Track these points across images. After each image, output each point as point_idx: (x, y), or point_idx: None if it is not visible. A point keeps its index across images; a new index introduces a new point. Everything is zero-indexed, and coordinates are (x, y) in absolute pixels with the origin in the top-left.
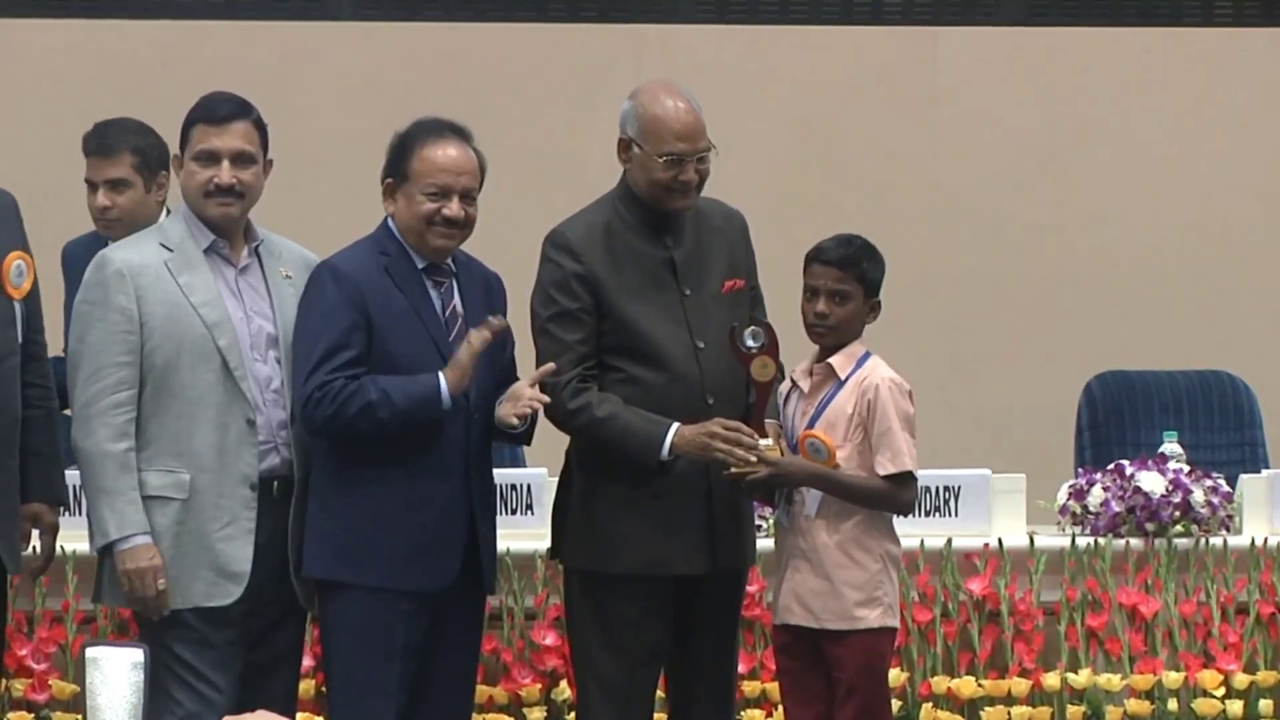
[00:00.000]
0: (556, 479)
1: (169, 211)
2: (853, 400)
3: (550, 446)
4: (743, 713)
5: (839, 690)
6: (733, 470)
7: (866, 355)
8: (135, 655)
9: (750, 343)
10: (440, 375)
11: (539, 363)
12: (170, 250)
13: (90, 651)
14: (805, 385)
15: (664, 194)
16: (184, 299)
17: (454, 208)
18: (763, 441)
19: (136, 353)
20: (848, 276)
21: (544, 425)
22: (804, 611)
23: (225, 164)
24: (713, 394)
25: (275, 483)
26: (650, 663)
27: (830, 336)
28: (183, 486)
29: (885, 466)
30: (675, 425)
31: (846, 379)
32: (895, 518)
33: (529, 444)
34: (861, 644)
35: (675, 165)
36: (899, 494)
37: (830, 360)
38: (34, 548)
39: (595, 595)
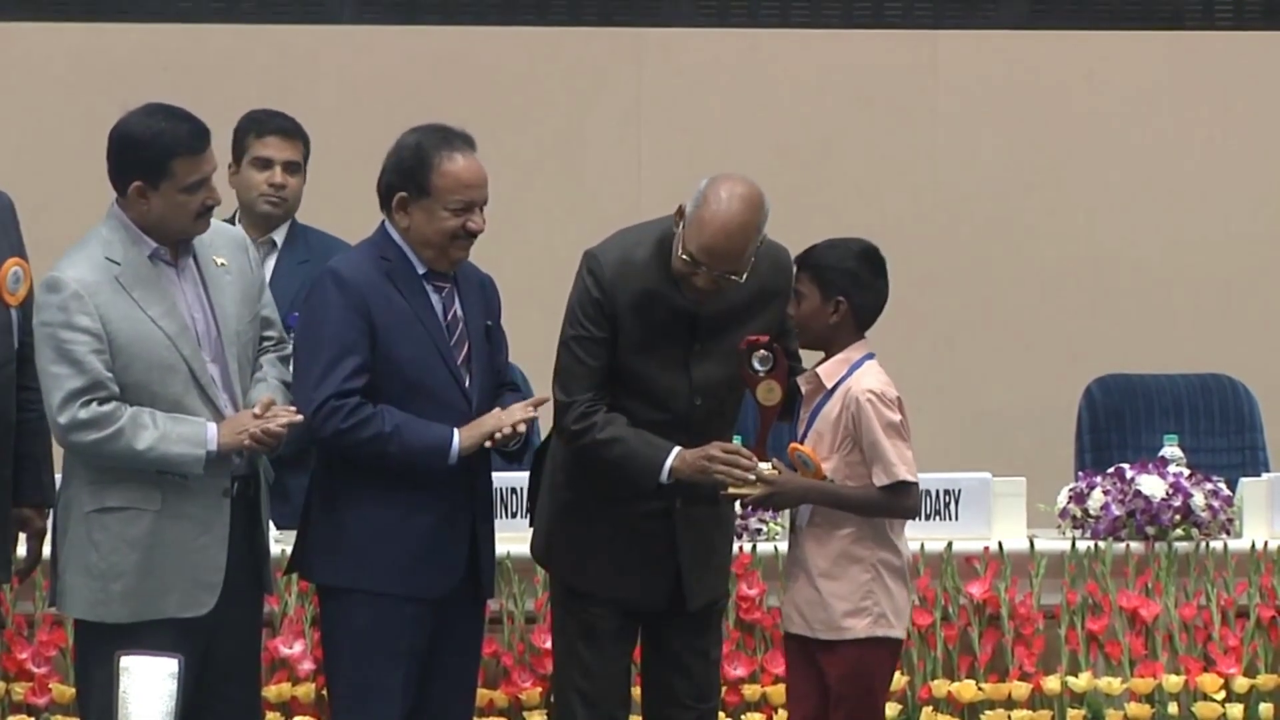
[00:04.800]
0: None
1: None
2: (838, 409)
3: None
4: (743, 716)
5: (831, 698)
6: (730, 490)
7: (861, 361)
8: (170, 665)
9: (758, 366)
10: (455, 432)
11: (555, 368)
12: (117, 264)
13: (124, 660)
14: (806, 392)
15: (679, 282)
16: (142, 313)
17: (478, 220)
18: (762, 465)
19: (110, 368)
20: (802, 276)
21: (548, 428)
22: (800, 620)
23: (212, 185)
24: (700, 445)
25: (236, 483)
26: (620, 663)
27: (803, 337)
28: (153, 499)
29: (880, 478)
30: (676, 450)
31: (834, 388)
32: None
33: (521, 462)
34: (849, 654)
35: (693, 267)
36: (897, 502)
37: (819, 369)
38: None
39: (568, 601)
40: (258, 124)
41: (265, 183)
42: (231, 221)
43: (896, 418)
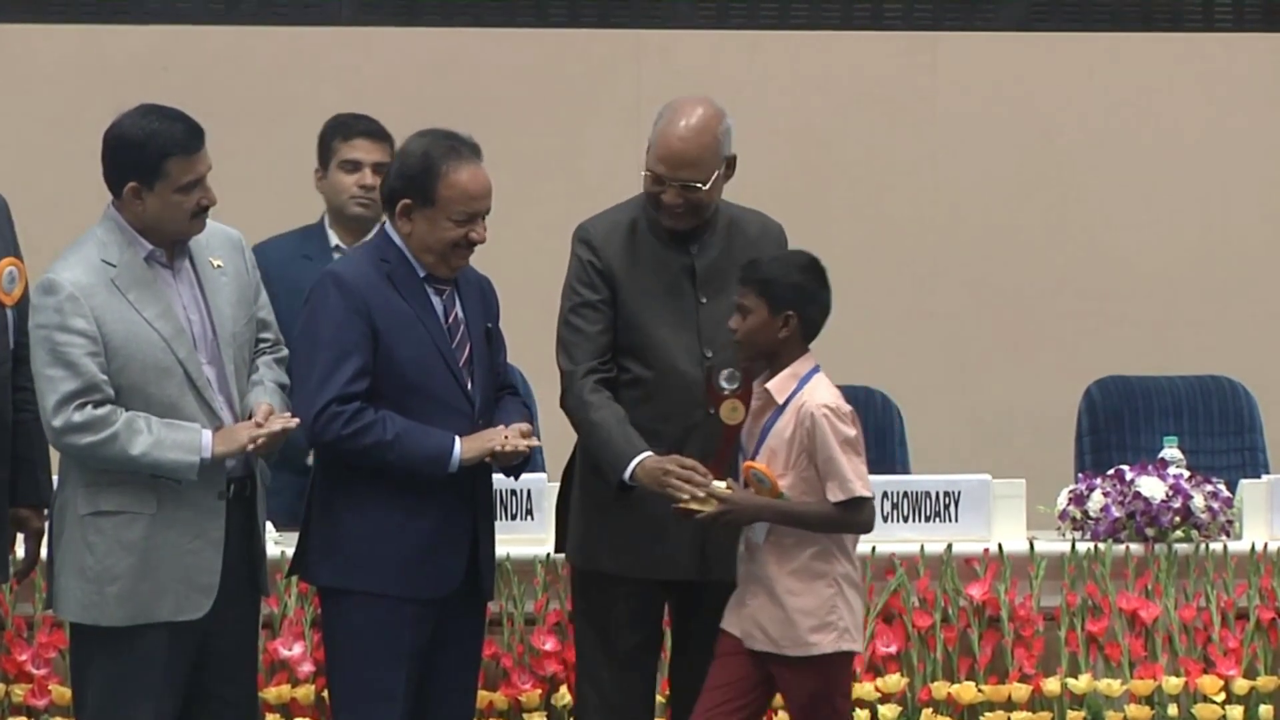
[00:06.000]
0: (559, 480)
1: None
2: (791, 425)
3: (551, 451)
4: None
5: (792, 715)
6: (683, 506)
7: (810, 375)
8: None
9: (725, 385)
10: (457, 440)
11: (558, 349)
12: (113, 266)
13: None
14: (754, 408)
15: (653, 207)
16: (138, 315)
17: (480, 232)
18: (718, 483)
19: (105, 371)
20: (747, 291)
21: (548, 429)
22: (764, 638)
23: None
24: (714, 404)
25: (232, 485)
26: (636, 665)
27: (745, 351)
28: (148, 503)
29: (835, 494)
30: (644, 455)
31: (786, 403)
32: (896, 525)
33: (518, 476)
34: (816, 670)
35: (657, 184)
36: (852, 518)
37: (769, 385)
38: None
39: (588, 593)
40: (344, 127)
41: (355, 185)
42: (320, 225)
43: (852, 432)
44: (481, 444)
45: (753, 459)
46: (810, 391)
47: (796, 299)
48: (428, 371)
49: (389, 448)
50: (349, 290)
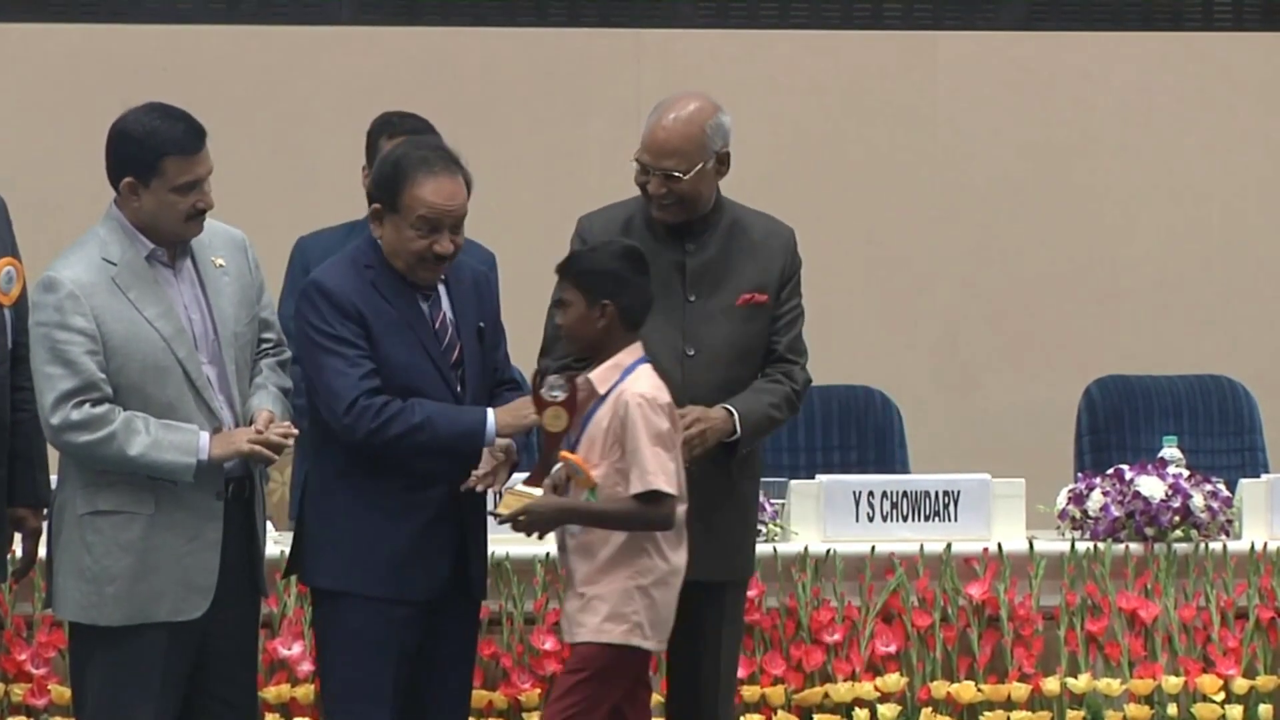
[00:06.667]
0: None
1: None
2: (609, 415)
3: None
4: (742, 717)
5: (555, 682)
6: (495, 513)
7: (634, 366)
8: None
9: (548, 392)
10: (490, 412)
11: (542, 340)
12: (114, 264)
13: None
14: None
15: (645, 199)
16: (138, 314)
17: (444, 244)
18: (537, 490)
19: (104, 369)
20: (564, 284)
21: None
22: (569, 629)
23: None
24: (692, 402)
25: (230, 485)
26: None
27: (573, 345)
28: (146, 503)
29: (634, 485)
30: None
31: (607, 395)
32: (895, 525)
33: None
34: (591, 653)
35: (643, 173)
36: (650, 512)
37: (591, 375)
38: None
39: None
40: (390, 125)
41: None
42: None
43: (664, 426)
44: (517, 417)
45: (573, 450)
46: (631, 381)
47: (612, 287)
48: (418, 374)
49: (419, 429)
50: (337, 297)
